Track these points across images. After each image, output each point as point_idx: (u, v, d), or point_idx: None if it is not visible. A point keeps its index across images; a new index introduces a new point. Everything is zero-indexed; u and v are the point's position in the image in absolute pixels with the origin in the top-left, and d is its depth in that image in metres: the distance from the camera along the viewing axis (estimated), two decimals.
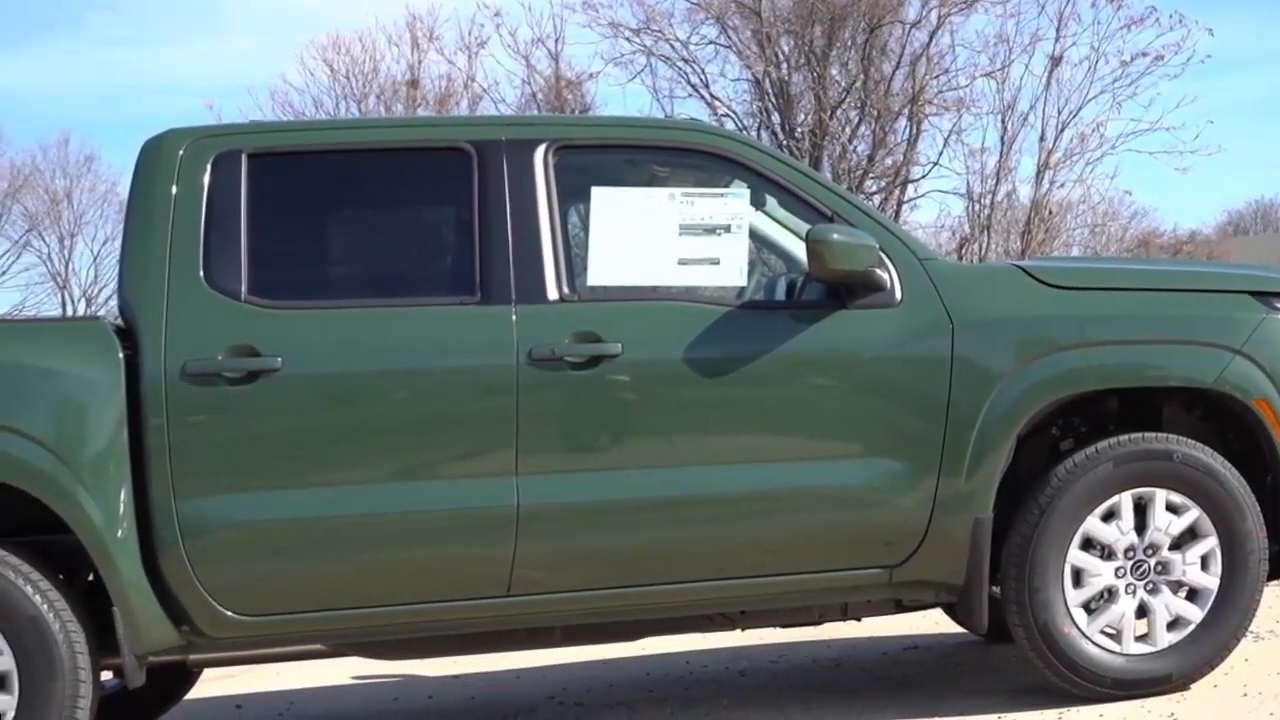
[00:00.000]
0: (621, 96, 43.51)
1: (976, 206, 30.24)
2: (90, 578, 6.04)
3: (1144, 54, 28.77)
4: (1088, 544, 6.24)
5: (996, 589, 6.33)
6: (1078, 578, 6.23)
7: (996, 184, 30.05)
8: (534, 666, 8.27)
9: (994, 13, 29.85)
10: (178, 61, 64.58)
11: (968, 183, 30.44)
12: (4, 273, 47.90)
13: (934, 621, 8.13)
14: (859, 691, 7.07)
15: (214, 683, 7.97)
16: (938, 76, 30.04)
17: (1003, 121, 29.83)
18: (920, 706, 6.61)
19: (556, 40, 31.55)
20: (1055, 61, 29.20)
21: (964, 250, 29.50)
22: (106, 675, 6.22)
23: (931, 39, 29.74)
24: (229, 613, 5.89)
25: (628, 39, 30.41)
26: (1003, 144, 29.87)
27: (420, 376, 6.02)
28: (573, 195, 6.37)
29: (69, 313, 43.65)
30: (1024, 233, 29.77)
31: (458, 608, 6.11)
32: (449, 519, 5.98)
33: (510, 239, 6.09)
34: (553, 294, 6.06)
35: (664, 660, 8.25)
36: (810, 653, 8.17)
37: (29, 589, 5.70)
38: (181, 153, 6.13)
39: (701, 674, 7.88)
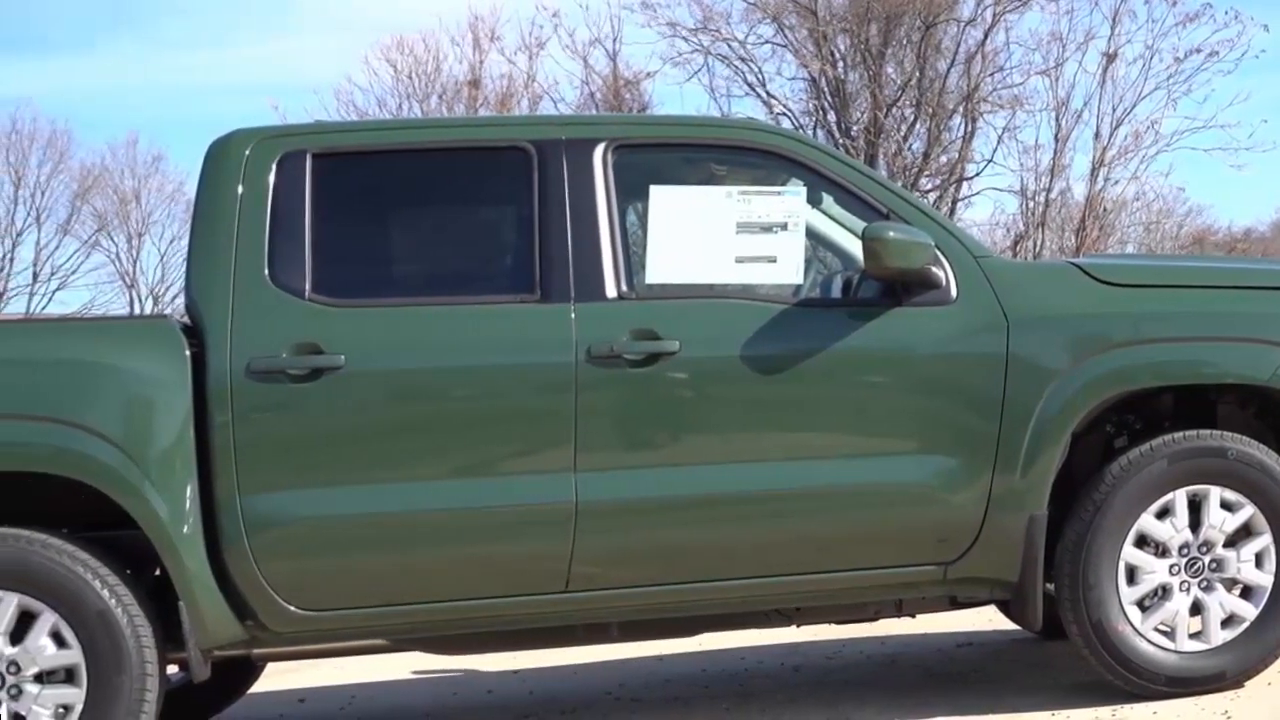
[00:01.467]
0: (679, 96, 43.58)
1: (1031, 204, 30.18)
2: (156, 573, 6.10)
3: (1198, 50, 28.71)
4: (1142, 541, 6.23)
5: (1051, 586, 6.34)
6: (1132, 575, 6.23)
7: (1051, 181, 30.00)
8: (592, 662, 8.30)
9: (1048, 10, 29.82)
10: (245, 63, 65.19)
11: (1022, 180, 30.40)
12: (74, 272, 48.27)
13: (988, 618, 8.12)
14: (913, 688, 7.09)
15: (277, 676, 8.02)
16: (992, 74, 30.01)
17: (1057, 119, 29.79)
18: (974, 703, 6.61)
19: (614, 40, 31.68)
20: (1110, 58, 29.12)
21: (1018, 247, 29.42)
22: (172, 669, 6.31)
23: (986, 37, 29.72)
24: (292, 607, 5.95)
25: (685, 38, 30.49)
26: (1057, 141, 29.82)
27: (480, 374, 6.08)
28: (631, 194, 6.39)
29: (136, 311, 43.92)
30: (1078, 230, 29.68)
31: (517, 603, 6.15)
32: (508, 515, 6.02)
33: (569, 237, 6.13)
34: (611, 292, 6.11)
35: (720, 656, 8.27)
36: (865, 649, 8.18)
37: (97, 584, 5.76)
38: (247, 153, 6.20)
39: (757, 670, 7.90)
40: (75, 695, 5.76)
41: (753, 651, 8.31)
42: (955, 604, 6.64)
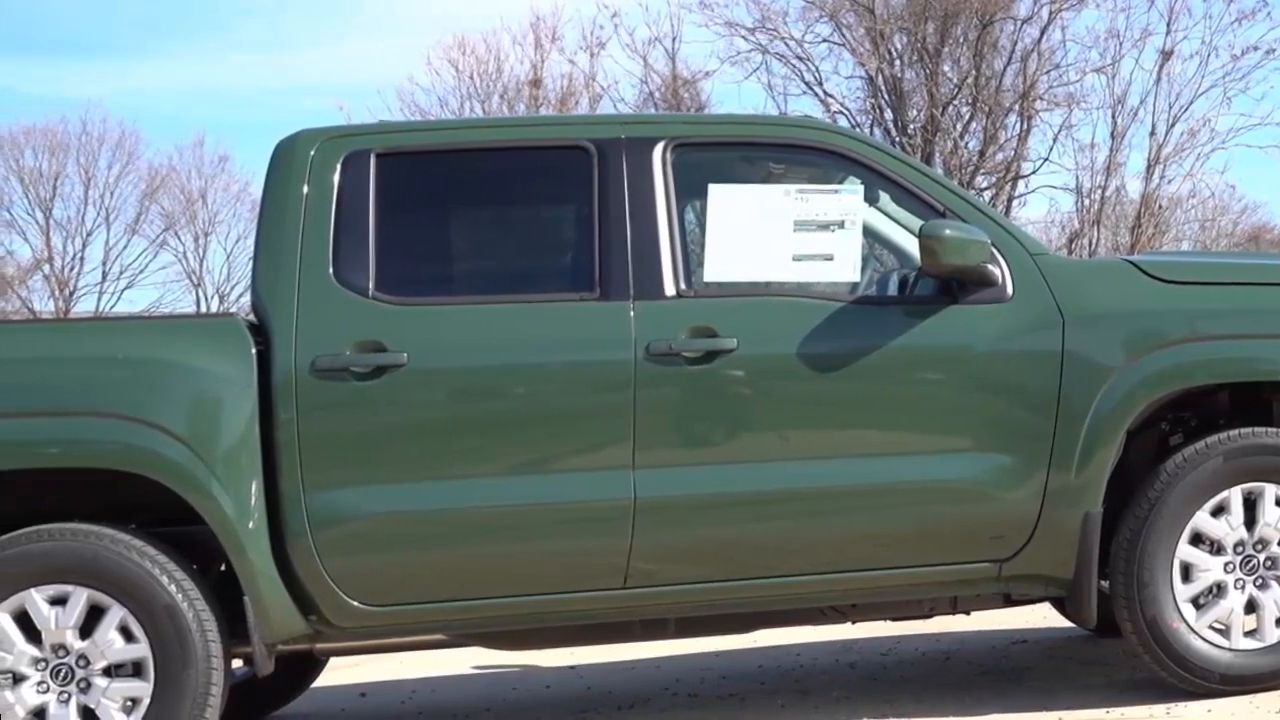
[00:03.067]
0: (736, 94, 43.47)
1: (1086, 201, 30.02)
2: (222, 568, 6.17)
3: (1255, 48, 28.46)
4: (1197, 539, 6.23)
5: (1105, 583, 6.34)
6: (1186, 572, 6.22)
7: (1106, 179, 29.82)
8: (649, 657, 8.35)
9: (1105, 8, 29.63)
10: (312, 64, 65.70)
11: (1077, 178, 30.23)
12: (141, 271, 48.56)
13: (1042, 616, 8.13)
14: (968, 685, 7.10)
15: (339, 671, 8.08)
16: (1048, 72, 29.85)
17: (1113, 116, 29.61)
18: (1029, 700, 6.61)
19: (673, 40, 31.67)
20: (1166, 56, 28.93)
21: (1073, 245, 29.29)
22: (237, 663, 6.35)
23: (1043, 35, 29.56)
24: (354, 602, 6.01)
25: (743, 37, 30.46)
26: (1113, 139, 29.64)
27: (540, 371, 6.12)
28: (689, 192, 6.42)
29: (203, 310, 44.25)
30: (1133, 228, 29.52)
31: (575, 599, 6.19)
32: (567, 512, 6.06)
33: (629, 236, 6.17)
34: (670, 290, 6.14)
35: (775, 652, 8.30)
36: (920, 646, 8.20)
37: (165, 579, 5.82)
38: (313, 153, 6.26)
39: (812, 666, 7.93)
40: (143, 689, 5.83)
41: (808, 648, 8.34)
42: (1010, 601, 6.65)
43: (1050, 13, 29.39)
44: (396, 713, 7.72)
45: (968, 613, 6.83)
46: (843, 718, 6.56)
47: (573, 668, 8.36)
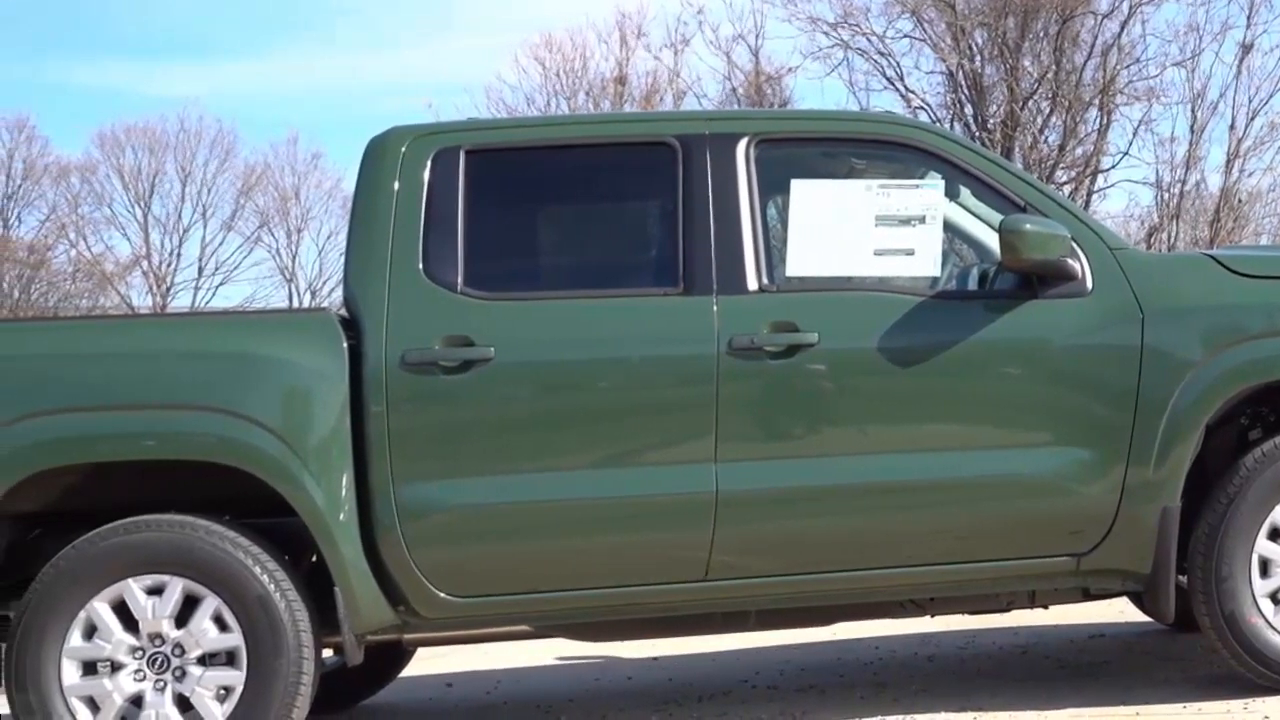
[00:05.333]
0: (819, 90, 43.41)
1: (1165, 195, 29.83)
2: (313, 560, 6.26)
3: None
4: (1275, 534, 6.22)
5: (1183, 578, 6.35)
6: (1265, 567, 6.22)
7: (1186, 173, 29.62)
8: (729, 649, 8.38)
9: (1185, 2, 29.50)
10: (403, 64, 66.25)
11: (1157, 172, 30.04)
12: (236, 267, 49.10)
13: (1120, 610, 8.13)
14: (1045, 678, 7.11)
15: (426, 661, 8.15)
16: (1128, 66, 29.66)
17: (1193, 110, 29.42)
18: (1106, 695, 6.63)
19: (757, 36, 31.69)
20: (1246, 49, 28.73)
21: (1153, 239, 29.09)
22: (327, 653, 6.44)
23: (1123, 29, 29.38)
24: (442, 594, 6.07)
25: (825, 33, 30.44)
26: (1192, 133, 29.44)
27: (624, 366, 6.18)
28: (772, 187, 6.45)
29: (296, 305, 44.62)
30: (1213, 221, 29.28)
31: (657, 591, 6.24)
32: (651, 505, 6.11)
33: (712, 231, 6.22)
34: (752, 285, 6.18)
35: (854, 645, 8.34)
36: (998, 639, 8.22)
37: (258, 570, 5.90)
38: (404, 150, 6.34)
39: (890, 659, 7.96)
40: (236, 677, 5.91)
41: (886, 641, 8.38)
42: (1087, 595, 6.63)
43: (1130, 7, 29.23)
44: (482, 703, 7.78)
45: (1045, 607, 6.84)
46: (920, 710, 6.59)
47: (654, 659, 8.41)
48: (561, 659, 8.65)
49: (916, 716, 6.50)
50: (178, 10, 63.32)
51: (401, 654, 7.55)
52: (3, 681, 5.96)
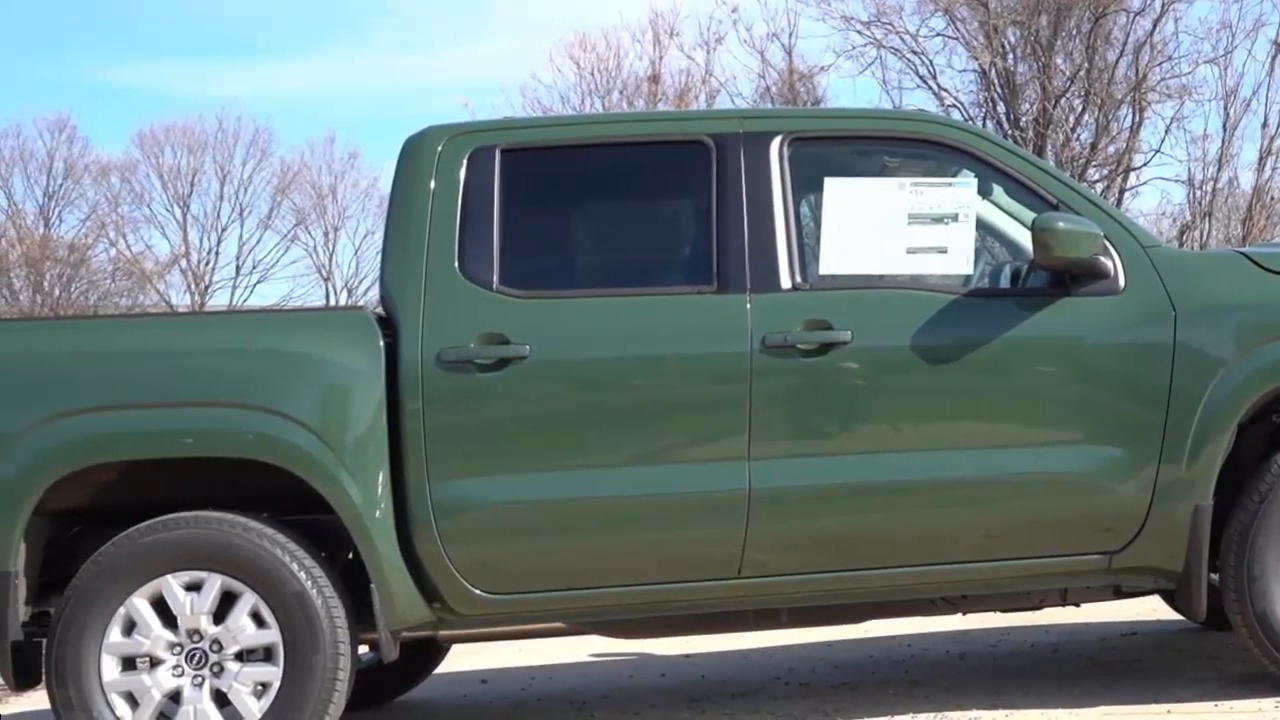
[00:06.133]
0: (852, 89, 43.44)
1: (1198, 193, 29.73)
2: (349, 557, 6.29)
3: None
4: None
5: (1215, 576, 6.34)
6: None
7: (1218, 171, 29.54)
8: (761, 647, 8.40)
9: None
10: (439, 63, 66.72)
11: (1189, 170, 29.93)
12: (273, 265, 49.34)
13: (1151, 608, 8.12)
14: (1077, 676, 7.12)
15: (461, 658, 8.17)
16: (1161, 64, 29.57)
17: (1225, 108, 29.32)
18: (1137, 693, 6.63)
19: (790, 35, 31.68)
20: (1279, 47, 28.62)
21: (1185, 237, 29.01)
22: (363, 649, 6.50)
23: (1155, 26, 29.28)
24: (477, 590, 6.11)
25: (859, 32, 30.43)
26: (1225, 130, 29.35)
27: (658, 364, 6.21)
28: (806, 185, 6.47)
29: (332, 303, 44.79)
30: (1245, 219, 29.18)
31: (690, 588, 6.26)
32: (684, 502, 6.13)
33: (746, 229, 6.24)
34: (785, 283, 6.21)
35: (886, 642, 8.36)
36: (1029, 637, 8.23)
37: (295, 566, 5.94)
38: (440, 149, 6.38)
39: (922, 657, 7.98)
40: (273, 673, 5.96)
41: (918, 638, 8.39)
42: (1119, 593, 6.64)
43: (1163, 4, 29.12)
44: (516, 699, 7.82)
45: (1077, 604, 6.84)
46: (952, 708, 6.61)
47: (687, 656, 8.42)
48: (595, 656, 8.67)
49: (948, 714, 6.52)
50: (216, 11, 63.88)
51: (438, 650, 7.59)
52: (44, 676, 6.01)
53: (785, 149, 6.40)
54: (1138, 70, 29.28)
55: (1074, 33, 30.00)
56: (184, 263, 48.08)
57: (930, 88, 30.67)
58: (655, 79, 33.03)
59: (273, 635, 5.98)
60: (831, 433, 6.24)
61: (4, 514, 5.94)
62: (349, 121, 72.56)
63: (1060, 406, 6.22)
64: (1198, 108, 30.01)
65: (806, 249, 6.39)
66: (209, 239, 48.62)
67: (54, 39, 61.70)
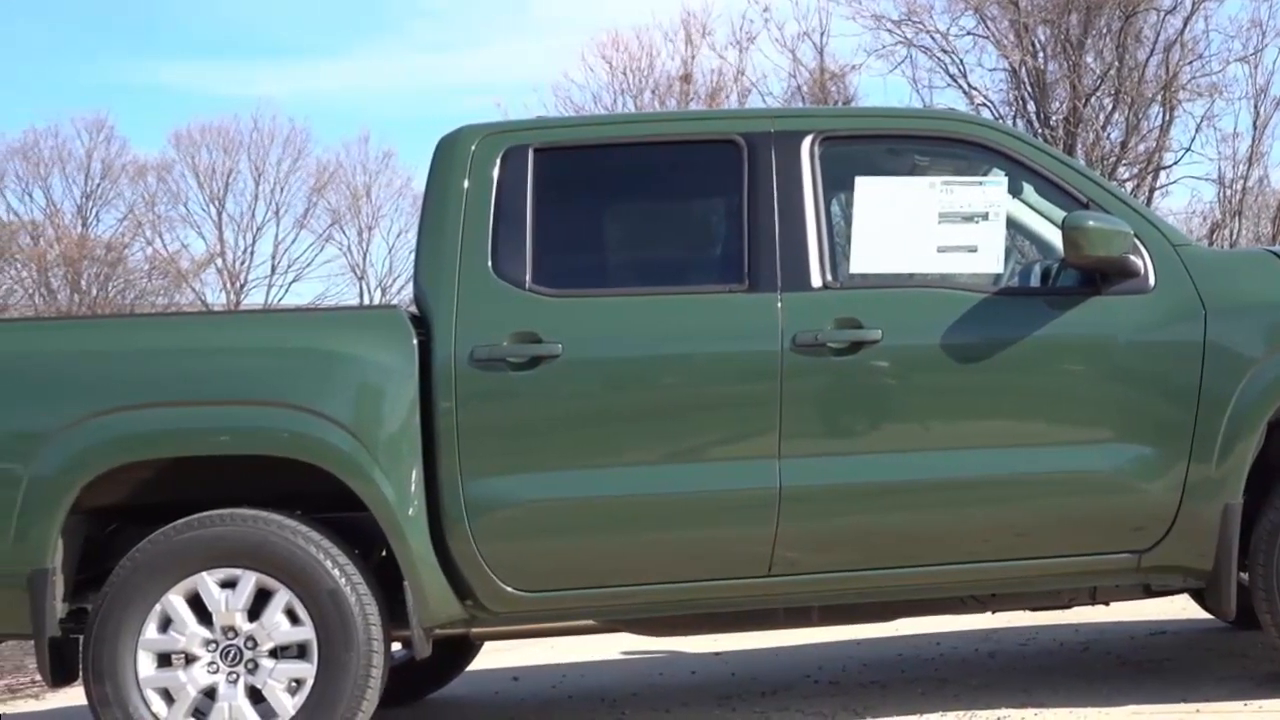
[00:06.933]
0: (882, 87, 43.43)
1: (1228, 192, 29.70)
2: (382, 554, 6.31)
3: None
4: None
5: (1245, 575, 6.33)
6: None
7: (1248, 169, 29.51)
8: (791, 645, 8.42)
9: None
10: (473, 63, 66.93)
11: (1219, 168, 29.93)
12: (308, 264, 49.47)
13: (1181, 607, 8.11)
14: (1106, 675, 7.13)
15: (492, 655, 8.20)
16: (1191, 62, 29.56)
17: (1255, 106, 29.33)
18: (1166, 691, 6.63)
19: (821, 34, 31.78)
20: None
21: (1215, 236, 28.97)
22: (396, 646, 6.51)
23: (1185, 25, 29.28)
24: (509, 588, 6.13)
25: (889, 31, 30.49)
26: (1255, 129, 29.35)
27: (690, 362, 6.22)
28: (836, 184, 6.48)
29: (366, 302, 44.93)
30: (1275, 218, 29.16)
31: (721, 586, 6.28)
32: (714, 500, 6.14)
33: (777, 228, 6.26)
34: (816, 281, 6.22)
35: (916, 641, 8.37)
36: (1058, 636, 8.23)
37: (329, 564, 5.97)
38: (474, 148, 6.41)
39: (951, 655, 7.99)
40: (307, 670, 5.99)
41: (948, 637, 8.40)
42: (1149, 592, 6.64)
43: (1193, 3, 29.11)
44: (548, 696, 7.84)
45: (1107, 603, 6.84)
46: (982, 706, 6.61)
47: (718, 654, 8.44)
48: (626, 653, 8.70)
49: (978, 712, 6.53)
50: (253, 12, 64.20)
51: (470, 647, 7.63)
52: (81, 673, 6.07)
53: (816, 148, 6.41)
54: (1168, 69, 29.26)
55: (1104, 31, 29.99)
56: (219, 262, 48.26)
57: (960, 86, 30.73)
58: (687, 78, 33.11)
59: (307, 632, 6.01)
60: (861, 431, 6.25)
61: (42, 511, 5.98)
62: (383, 121, 72.94)
63: (1090, 405, 6.22)
64: (1228, 106, 30.15)
65: (837, 248, 6.41)
66: (244, 238, 48.83)
67: (92, 40, 62.21)
